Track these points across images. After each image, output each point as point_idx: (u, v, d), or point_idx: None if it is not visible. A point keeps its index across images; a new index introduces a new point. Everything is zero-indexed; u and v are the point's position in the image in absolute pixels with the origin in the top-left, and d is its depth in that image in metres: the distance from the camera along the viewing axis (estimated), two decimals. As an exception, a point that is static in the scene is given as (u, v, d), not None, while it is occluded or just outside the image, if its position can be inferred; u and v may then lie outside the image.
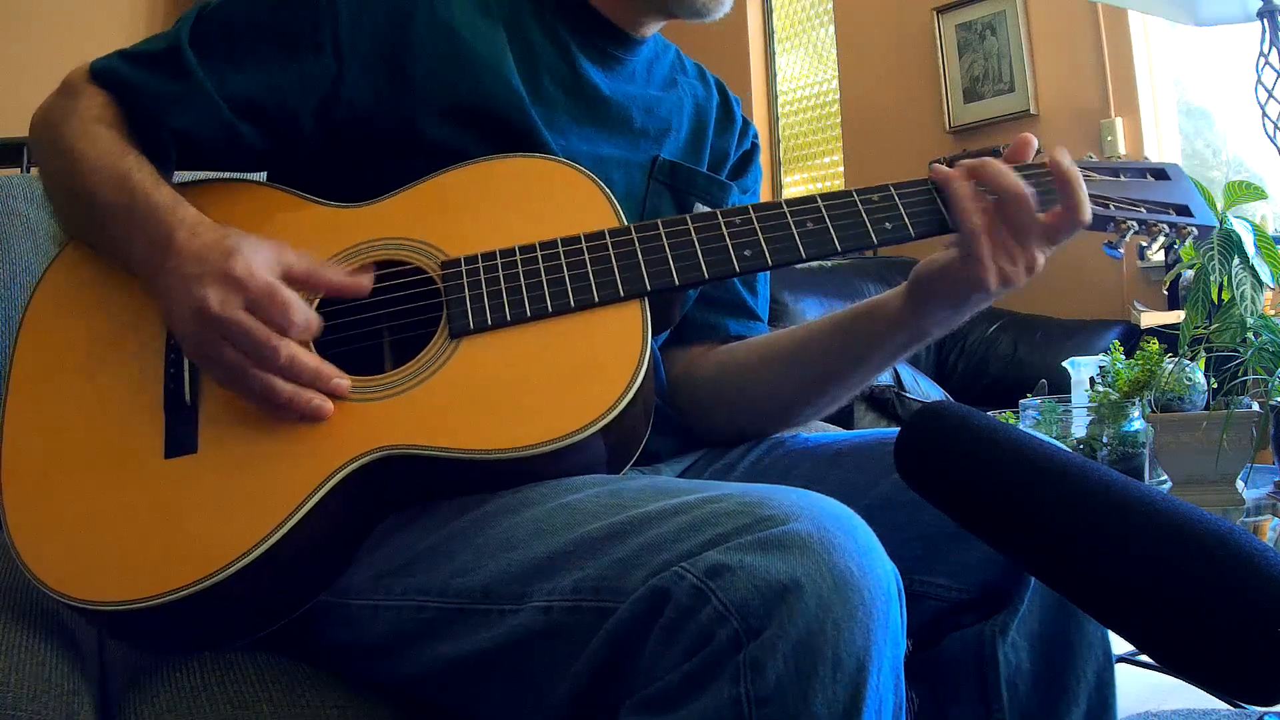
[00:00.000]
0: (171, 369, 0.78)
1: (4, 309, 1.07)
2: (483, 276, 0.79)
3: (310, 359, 0.74)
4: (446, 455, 0.72)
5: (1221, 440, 1.15)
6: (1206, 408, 1.21)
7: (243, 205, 0.86)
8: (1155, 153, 3.20)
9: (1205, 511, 0.56)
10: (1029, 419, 1.40)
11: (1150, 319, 2.16)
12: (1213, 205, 1.15)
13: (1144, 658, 1.25)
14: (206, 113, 0.83)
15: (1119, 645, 0.76)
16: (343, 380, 0.75)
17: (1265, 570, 0.51)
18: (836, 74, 4.11)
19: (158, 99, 0.83)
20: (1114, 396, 1.27)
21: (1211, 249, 1.13)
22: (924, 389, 2.86)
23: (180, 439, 0.75)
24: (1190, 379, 1.22)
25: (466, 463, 0.72)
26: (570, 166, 0.85)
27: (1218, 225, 0.92)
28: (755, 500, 0.60)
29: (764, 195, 0.90)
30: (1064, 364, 1.60)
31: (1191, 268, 1.19)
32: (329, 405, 0.74)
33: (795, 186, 4.36)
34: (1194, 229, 0.87)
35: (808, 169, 4.35)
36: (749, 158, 1.09)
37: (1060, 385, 1.65)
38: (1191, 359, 1.23)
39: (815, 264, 3.24)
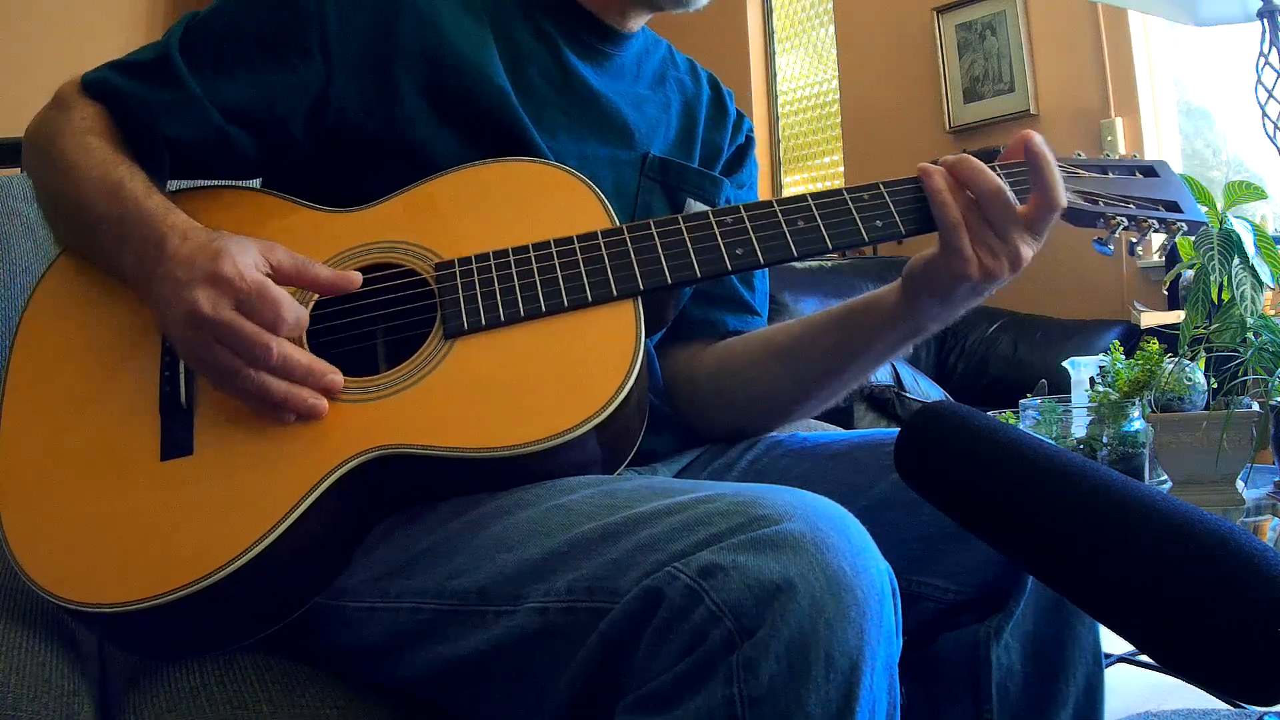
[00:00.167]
0: (167, 371, 0.78)
1: (4, 309, 1.07)
2: (476, 277, 0.80)
3: (303, 356, 0.74)
4: (442, 454, 0.72)
5: (1221, 440, 1.15)
6: (1206, 408, 1.21)
7: (236, 211, 0.86)
8: (1155, 153, 3.20)
9: (1205, 511, 0.56)
10: (1029, 419, 1.40)
11: (1150, 319, 2.16)
12: (1212, 205, 1.16)
13: (1144, 658, 1.25)
14: (198, 120, 0.84)
15: (1119, 645, 0.76)
16: (336, 376, 0.75)
17: (1265, 570, 0.51)
18: (836, 74, 4.11)
19: (149, 108, 0.83)
20: (1114, 396, 1.27)
21: (1211, 249, 1.13)
22: (924, 389, 2.87)
23: (176, 441, 0.75)
24: (1190, 379, 1.22)
25: (462, 461, 0.72)
26: (562, 169, 0.85)
27: (1206, 221, 0.92)
28: (749, 500, 0.60)
29: (764, 196, 0.90)
30: (1064, 364, 1.60)
31: (1191, 268, 1.18)
32: (324, 404, 0.74)
33: (795, 186, 4.37)
34: (1183, 224, 0.88)
35: (808, 169, 4.36)
36: (744, 152, 1.09)
37: (1060, 385, 1.64)
38: (1191, 359, 1.22)
39: (815, 264, 3.24)
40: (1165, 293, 2.72)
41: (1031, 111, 3.42)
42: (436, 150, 0.86)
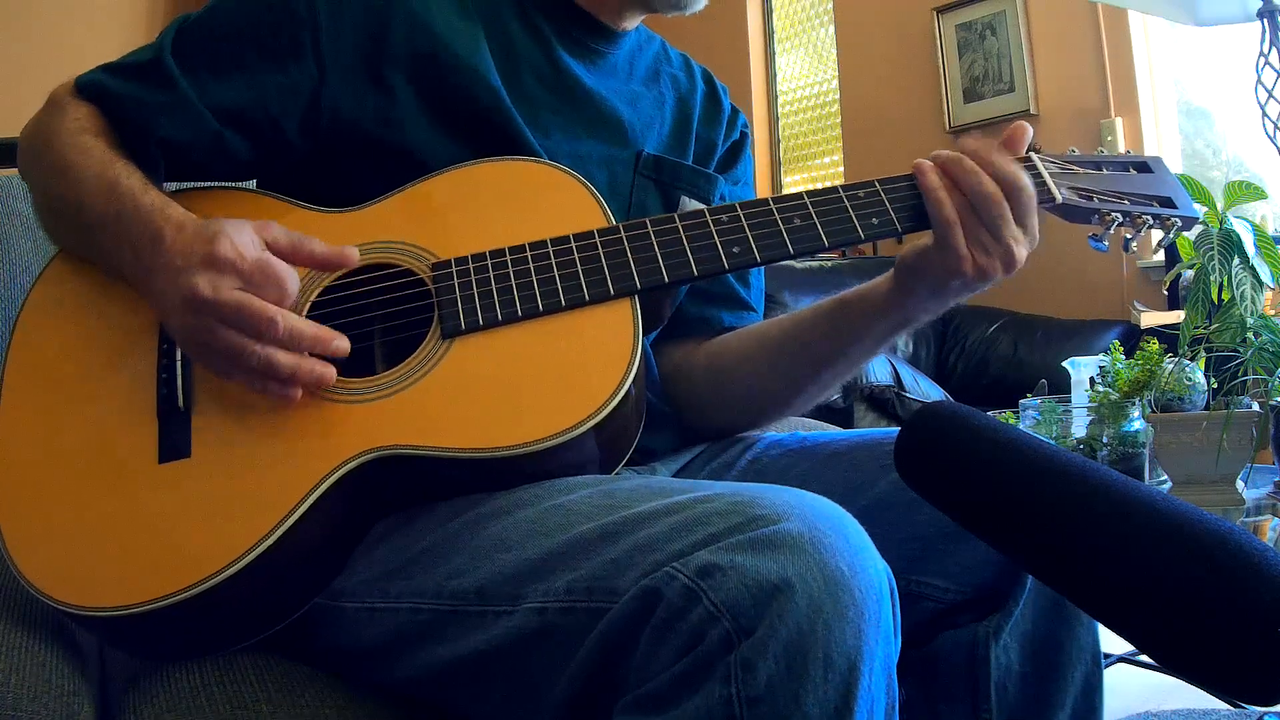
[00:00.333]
0: (164, 374, 0.78)
1: (4, 309, 1.07)
2: (473, 277, 0.80)
3: (309, 326, 0.73)
4: (440, 455, 0.72)
5: (1221, 440, 1.15)
6: (1206, 408, 1.21)
7: (232, 211, 0.85)
8: (1155, 152, 3.20)
9: (1205, 511, 0.56)
10: (1029, 419, 1.40)
11: (1150, 319, 2.16)
12: (1212, 205, 1.16)
13: (1144, 658, 1.25)
14: (192, 122, 0.84)
15: (1119, 645, 0.76)
16: (342, 342, 0.74)
17: (1265, 570, 0.51)
18: (836, 74, 4.11)
19: (143, 109, 0.83)
20: (1114, 396, 1.27)
21: (1211, 249, 1.13)
22: (924, 389, 2.87)
23: (174, 444, 0.75)
24: (1190, 379, 1.22)
25: (460, 462, 0.72)
26: (557, 168, 0.85)
27: (1200, 217, 0.92)
28: (747, 500, 0.60)
29: (764, 195, 0.90)
30: (1064, 364, 1.60)
31: (1191, 268, 1.18)
32: (332, 371, 0.74)
33: (795, 186, 4.37)
34: (1178, 220, 0.88)
35: (808, 169, 4.36)
36: (739, 148, 1.09)
37: (1060, 385, 1.64)
38: (1191, 359, 1.22)
39: (814, 264, 3.25)
40: (1165, 293, 2.72)
41: (1031, 111, 3.42)
42: (430, 150, 0.86)
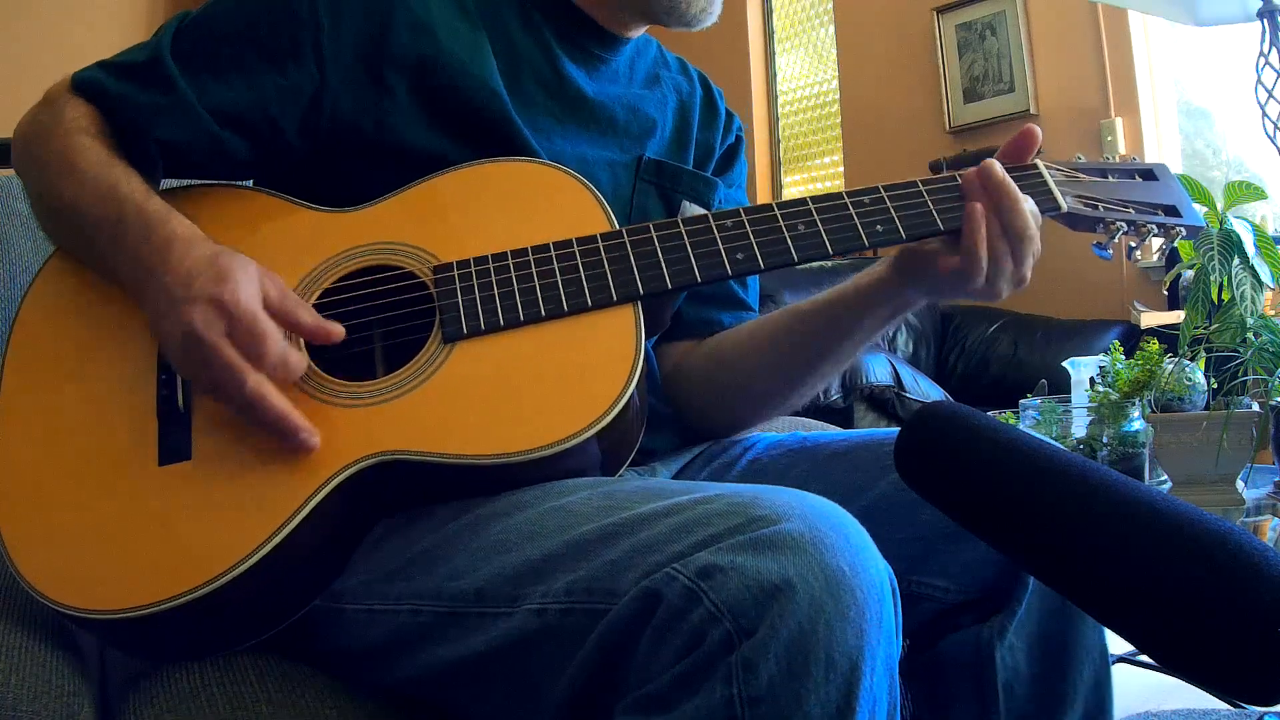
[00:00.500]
0: (164, 375, 0.77)
1: (4, 309, 1.06)
2: (475, 281, 0.79)
3: (276, 403, 0.71)
4: (440, 461, 0.72)
5: (1221, 440, 1.15)
6: (1206, 408, 1.21)
7: (233, 211, 0.86)
8: (1155, 152, 3.21)
9: (1205, 511, 0.56)
10: (1029, 419, 1.40)
11: (1150, 319, 2.16)
12: (1212, 205, 1.16)
13: (1144, 658, 1.25)
14: (191, 124, 0.83)
15: (1119, 645, 0.76)
16: (311, 438, 0.72)
17: (1265, 570, 0.51)
18: (836, 74, 4.11)
19: (141, 110, 0.83)
20: (1114, 396, 1.27)
21: (1211, 249, 1.13)
22: (924, 389, 2.87)
23: (174, 446, 0.75)
24: (1190, 379, 1.22)
25: (461, 468, 0.72)
26: (560, 170, 0.85)
27: (1205, 225, 0.93)
28: (747, 500, 0.60)
29: (764, 196, 0.90)
30: (1064, 364, 1.60)
31: (1191, 268, 1.18)
32: (295, 451, 0.72)
33: (795, 186, 4.36)
34: (1182, 229, 0.88)
35: (807, 169, 4.35)
36: (734, 151, 1.09)
37: (1060, 385, 1.64)
38: (1191, 359, 1.22)
39: (815, 264, 3.24)
40: (1165, 293, 2.72)
41: (1031, 111, 3.42)
42: (431, 154, 0.86)
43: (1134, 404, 1.25)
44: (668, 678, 0.56)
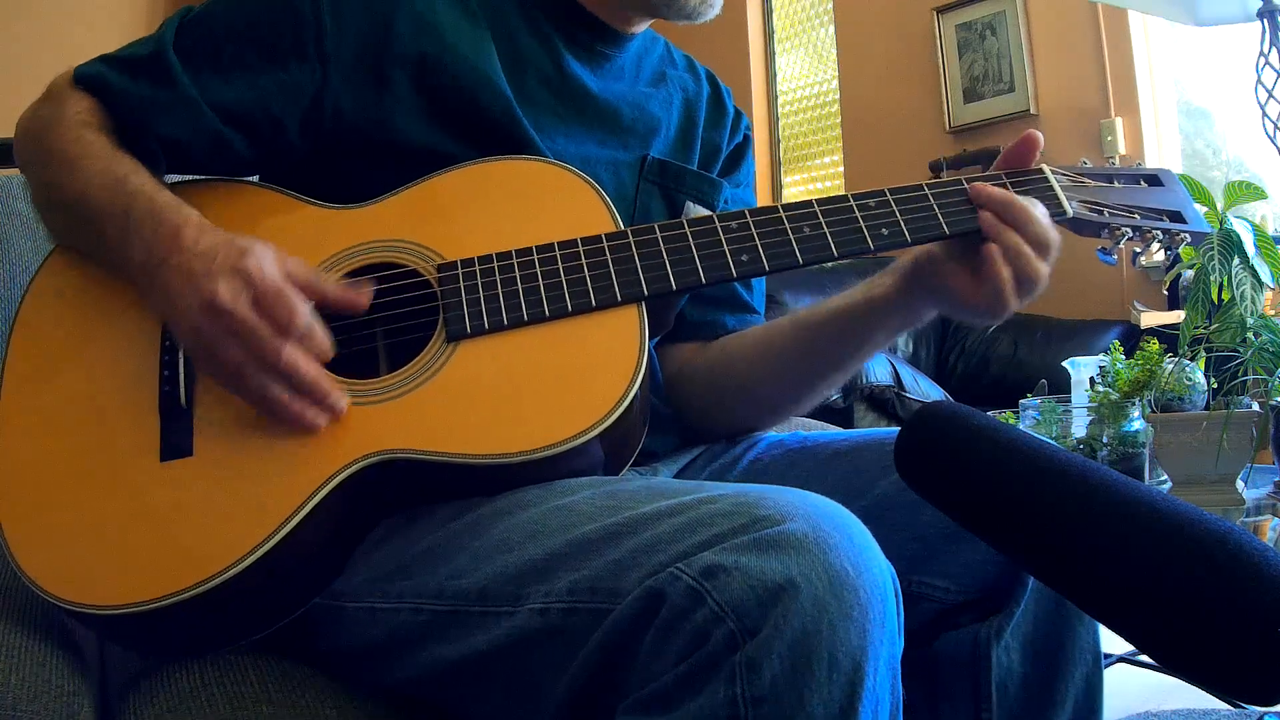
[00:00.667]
0: (166, 371, 0.77)
1: (4, 309, 1.06)
2: (479, 280, 0.79)
3: (310, 368, 0.73)
4: (443, 460, 0.72)
5: (1221, 440, 1.15)
6: (1206, 408, 1.21)
7: (238, 206, 0.85)
8: (1155, 152, 3.20)
9: (1205, 511, 0.56)
10: (1029, 419, 1.39)
11: (1150, 319, 2.16)
12: (1212, 205, 1.16)
13: (1144, 658, 1.25)
14: (193, 121, 0.83)
15: (1119, 645, 0.76)
16: (340, 400, 0.73)
17: (1265, 570, 0.51)
18: (836, 74, 4.11)
19: (143, 106, 0.83)
20: (1114, 396, 1.27)
21: (1211, 249, 1.13)
22: (924, 389, 2.87)
23: (176, 442, 0.75)
24: (1190, 379, 1.22)
25: (463, 468, 0.72)
26: (565, 169, 0.85)
27: (1210, 231, 0.93)
28: (750, 500, 0.60)
29: (764, 196, 0.91)
30: (1064, 364, 1.60)
31: (1191, 268, 1.19)
32: (321, 421, 0.73)
33: (795, 187, 4.36)
34: (1187, 235, 0.88)
35: (807, 169, 4.35)
36: (741, 151, 1.09)
37: (1060, 385, 1.64)
38: (1191, 359, 1.22)
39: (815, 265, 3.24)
40: (1165, 293, 2.72)
41: (1031, 111, 3.42)
42: (434, 152, 0.86)
43: (1134, 404, 1.25)
44: (670, 678, 0.56)
